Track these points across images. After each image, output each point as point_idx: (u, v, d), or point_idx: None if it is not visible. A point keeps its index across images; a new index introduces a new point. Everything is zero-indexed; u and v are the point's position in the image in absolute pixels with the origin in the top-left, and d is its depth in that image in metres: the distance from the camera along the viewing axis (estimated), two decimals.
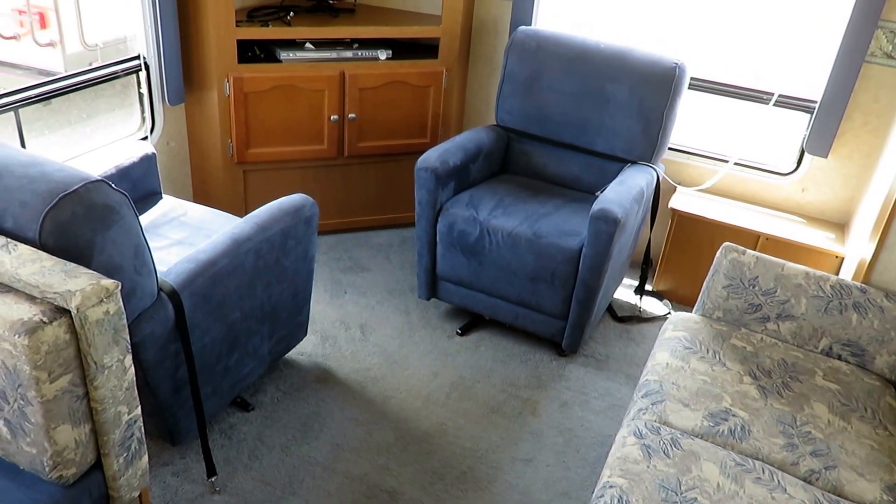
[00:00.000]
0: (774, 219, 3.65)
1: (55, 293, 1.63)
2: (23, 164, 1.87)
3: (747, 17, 3.69)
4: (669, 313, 3.69)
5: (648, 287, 3.87)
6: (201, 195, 3.93)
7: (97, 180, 1.88)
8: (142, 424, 1.96)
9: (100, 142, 3.44)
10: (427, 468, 2.70)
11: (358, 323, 3.45)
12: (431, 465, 2.71)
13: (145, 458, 2.02)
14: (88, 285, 1.66)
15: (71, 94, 3.24)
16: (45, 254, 1.75)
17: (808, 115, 3.55)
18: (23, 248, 1.75)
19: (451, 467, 2.71)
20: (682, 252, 3.71)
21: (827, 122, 3.45)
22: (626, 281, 3.90)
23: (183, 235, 2.89)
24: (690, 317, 2.71)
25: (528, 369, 3.25)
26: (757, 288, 2.64)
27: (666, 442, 2.10)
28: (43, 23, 4.54)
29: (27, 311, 1.62)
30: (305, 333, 3.06)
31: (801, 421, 2.25)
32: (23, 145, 3.04)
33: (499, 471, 2.72)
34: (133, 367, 1.86)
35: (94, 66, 3.37)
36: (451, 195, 3.34)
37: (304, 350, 3.22)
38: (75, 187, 1.82)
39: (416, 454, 2.76)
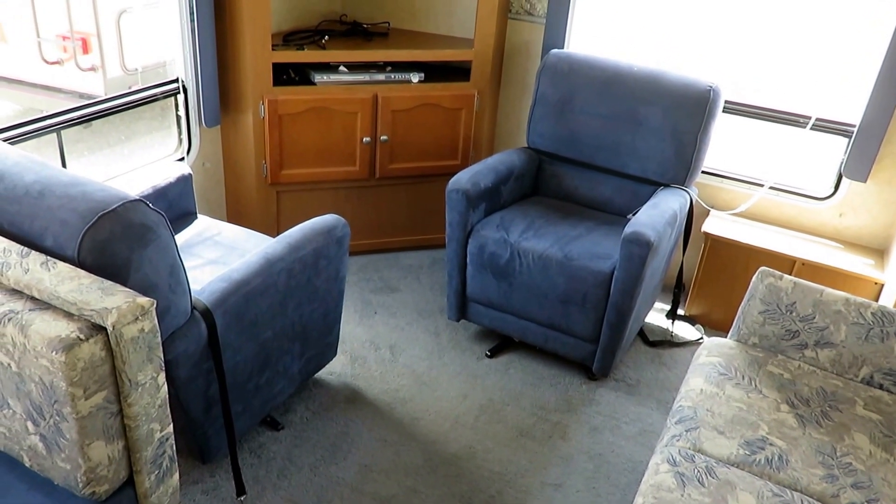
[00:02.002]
0: (811, 244, 3.60)
1: (92, 310, 1.65)
2: (64, 184, 1.91)
3: (786, 40, 3.66)
4: (702, 338, 3.65)
5: (681, 311, 3.84)
6: (235, 215, 3.97)
7: (135, 200, 1.91)
8: (174, 442, 1.97)
9: (138, 162, 3.49)
10: (455, 491, 2.68)
11: (387, 343, 3.45)
12: (460, 489, 2.70)
13: (176, 475, 2.03)
14: (124, 303, 1.68)
15: (111, 117, 3.30)
16: (83, 271, 1.77)
17: (847, 139, 3.50)
18: (62, 265, 1.77)
19: (479, 491, 2.70)
20: (715, 276, 3.68)
21: (866, 146, 3.40)
22: (657, 305, 3.88)
23: (217, 255, 2.92)
24: (725, 342, 2.67)
25: (557, 393, 3.23)
26: (794, 314, 2.59)
27: (700, 470, 2.07)
28: (85, 48, 4.66)
29: (64, 328, 1.64)
30: (335, 353, 3.07)
31: (842, 452, 2.20)
32: (64, 166, 3.10)
33: (528, 495, 2.70)
34: (166, 385, 1.87)
35: (133, 89, 3.43)
36: (482, 217, 3.34)
37: (334, 370, 3.23)
38: (114, 206, 1.85)
39: (445, 477, 2.74)
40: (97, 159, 4.08)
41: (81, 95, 4.66)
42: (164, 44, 3.52)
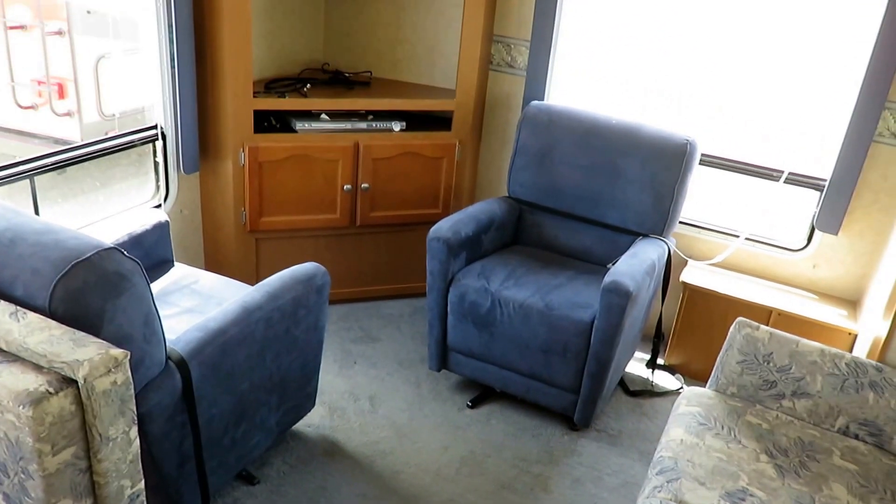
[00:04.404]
0: (786, 294, 3.63)
1: (62, 363, 1.62)
2: (36, 232, 1.88)
3: (759, 96, 3.72)
4: (682, 388, 3.64)
5: (660, 361, 3.83)
6: (213, 263, 3.93)
7: (110, 248, 1.88)
8: (144, 499, 1.92)
9: (114, 209, 3.45)
10: None
11: (367, 394, 3.41)
12: None
13: None
14: (97, 355, 1.65)
15: (86, 163, 3.26)
16: (54, 322, 1.74)
17: (818, 193, 3.57)
18: (32, 316, 1.74)
19: None
20: (693, 326, 3.68)
21: (837, 199, 3.47)
22: (637, 354, 3.86)
23: (193, 303, 2.88)
24: (704, 392, 2.67)
25: (539, 444, 3.19)
26: (771, 364, 2.60)
27: None
28: (61, 93, 4.62)
29: (33, 382, 1.61)
30: (314, 405, 3.02)
31: (820, 502, 2.19)
32: (37, 213, 3.06)
33: None
34: (138, 440, 1.83)
35: (110, 135, 3.40)
36: (463, 266, 3.33)
37: (312, 422, 3.18)
38: (88, 255, 1.82)
39: None
40: (71, 206, 4.03)
41: (56, 141, 4.60)
42: (144, 89, 3.51)
